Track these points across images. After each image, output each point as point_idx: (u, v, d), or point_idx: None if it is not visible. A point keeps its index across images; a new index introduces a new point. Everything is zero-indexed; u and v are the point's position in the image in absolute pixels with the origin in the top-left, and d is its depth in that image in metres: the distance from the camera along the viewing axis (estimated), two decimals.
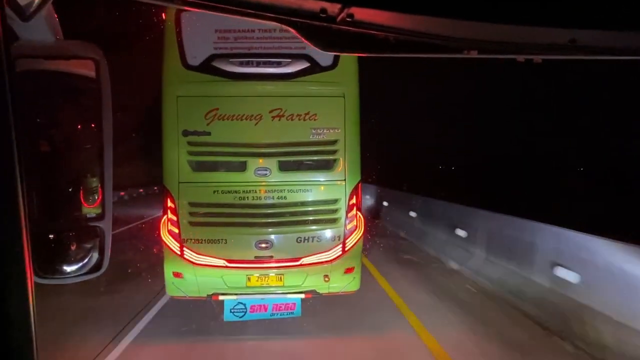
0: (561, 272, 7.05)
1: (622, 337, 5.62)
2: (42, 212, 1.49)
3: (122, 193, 32.00)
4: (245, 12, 1.17)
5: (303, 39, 1.26)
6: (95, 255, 1.55)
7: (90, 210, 1.55)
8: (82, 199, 1.57)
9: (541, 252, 7.90)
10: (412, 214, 15.57)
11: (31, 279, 1.04)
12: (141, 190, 36.07)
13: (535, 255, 8.01)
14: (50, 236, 1.49)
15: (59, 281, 1.54)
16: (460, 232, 11.15)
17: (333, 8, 1.18)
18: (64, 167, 1.58)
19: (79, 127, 1.58)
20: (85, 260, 1.55)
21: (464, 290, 9.16)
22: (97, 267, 1.55)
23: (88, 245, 1.56)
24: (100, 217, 1.53)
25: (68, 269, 1.54)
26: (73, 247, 1.56)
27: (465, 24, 1.21)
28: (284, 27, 1.24)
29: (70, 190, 1.59)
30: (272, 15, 1.21)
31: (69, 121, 1.57)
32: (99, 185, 1.52)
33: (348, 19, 1.19)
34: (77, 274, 1.53)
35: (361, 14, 1.19)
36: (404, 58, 1.41)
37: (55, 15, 1.56)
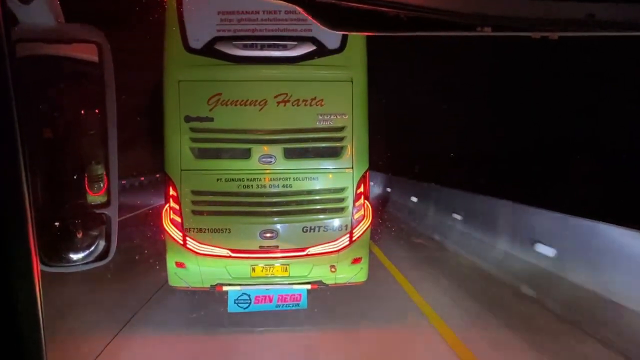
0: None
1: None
2: (47, 200, 1.49)
3: (124, 182, 31.58)
4: None
5: (310, 18, 1.24)
6: (101, 243, 1.55)
7: (95, 198, 1.55)
8: (87, 187, 1.57)
9: (521, 229, 8.97)
10: (414, 198, 17.01)
11: (37, 267, 1.05)
12: (142, 178, 35.71)
13: (516, 232, 9.12)
14: (55, 224, 1.49)
15: (66, 269, 1.55)
16: (456, 216, 12.24)
17: None
18: (67, 154, 1.58)
19: (82, 112, 1.58)
20: (92, 248, 1.55)
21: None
22: (104, 254, 1.55)
23: (94, 233, 1.56)
24: (106, 204, 1.52)
25: (74, 256, 1.54)
26: (79, 235, 1.56)
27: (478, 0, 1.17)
28: (291, 5, 1.23)
29: (75, 177, 1.60)
30: None
31: (72, 107, 1.57)
32: (104, 172, 1.51)
33: None
34: (83, 262, 1.54)
35: None
36: (414, 36, 1.36)
37: None
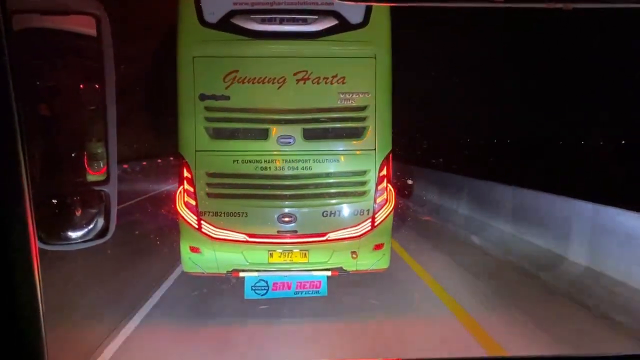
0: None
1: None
2: (45, 177, 1.51)
3: (125, 165, 31.14)
4: None
5: None
6: (100, 221, 1.56)
7: (94, 177, 1.56)
8: (86, 165, 1.59)
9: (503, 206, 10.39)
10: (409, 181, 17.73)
11: (35, 244, 1.07)
12: (144, 163, 35.04)
13: (500, 207, 10.56)
14: (54, 201, 1.51)
15: (65, 247, 1.58)
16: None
17: None
18: (65, 131, 1.60)
19: (80, 88, 1.59)
20: (91, 226, 1.56)
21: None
22: (103, 232, 1.56)
23: (93, 211, 1.57)
24: (105, 181, 1.52)
25: (73, 234, 1.55)
26: (78, 213, 1.58)
27: None
28: None
29: (73, 154, 1.62)
30: None
31: (69, 82, 1.58)
32: (104, 149, 1.50)
33: None
34: (82, 240, 1.55)
35: None
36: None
37: None
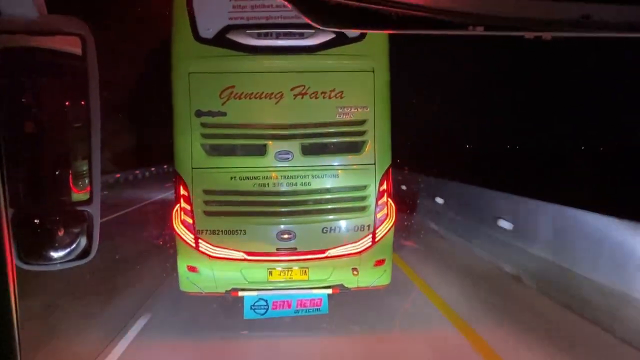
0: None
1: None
2: (27, 196, 1.50)
3: (117, 175, 31.51)
4: None
5: (300, 14, 1.26)
6: (83, 241, 1.55)
7: (79, 196, 1.56)
8: (71, 184, 1.57)
9: (488, 209, 10.99)
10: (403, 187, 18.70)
11: (12, 264, 1.06)
12: (137, 172, 35.90)
13: (483, 211, 11.25)
14: (35, 221, 1.51)
15: (45, 267, 1.56)
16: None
17: None
18: (49, 149, 1.59)
19: (65, 107, 1.59)
20: (73, 246, 1.55)
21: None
22: (85, 253, 1.55)
23: (75, 230, 1.56)
24: (88, 201, 1.53)
25: (55, 255, 1.54)
26: (60, 233, 1.57)
27: None
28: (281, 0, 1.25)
29: (56, 173, 1.60)
30: None
31: (54, 101, 1.58)
32: (88, 168, 1.51)
33: None
34: (64, 260, 1.54)
35: None
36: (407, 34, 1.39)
37: None
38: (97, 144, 1.48)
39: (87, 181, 1.51)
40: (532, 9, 1.23)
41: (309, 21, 1.29)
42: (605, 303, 6.43)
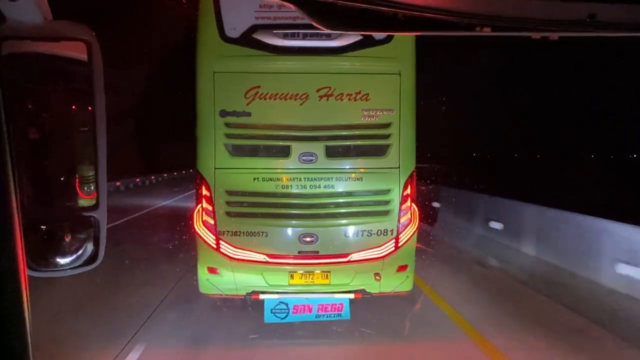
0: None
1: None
2: (34, 202, 1.51)
3: (118, 183, 31.65)
4: None
5: (306, 17, 1.28)
6: (90, 247, 1.56)
7: (86, 201, 1.56)
8: (78, 190, 1.58)
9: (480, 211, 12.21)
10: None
11: (24, 272, 1.06)
12: (138, 180, 35.94)
13: (475, 214, 12.46)
14: (42, 227, 1.51)
15: (53, 274, 1.57)
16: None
17: None
18: (55, 155, 1.61)
19: (70, 113, 1.61)
20: (80, 252, 1.57)
21: None
22: (92, 259, 1.57)
23: (82, 236, 1.57)
24: (94, 206, 1.53)
25: (62, 261, 1.55)
26: (67, 239, 1.58)
27: None
28: (285, 3, 1.25)
29: (62, 179, 1.62)
30: None
31: (59, 107, 1.60)
32: (94, 173, 1.51)
33: None
34: (71, 267, 1.55)
35: None
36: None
37: None
38: (103, 149, 1.49)
39: (93, 187, 1.52)
40: (538, 10, 1.24)
41: (315, 24, 1.30)
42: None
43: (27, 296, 1.07)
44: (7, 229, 1.03)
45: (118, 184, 30.04)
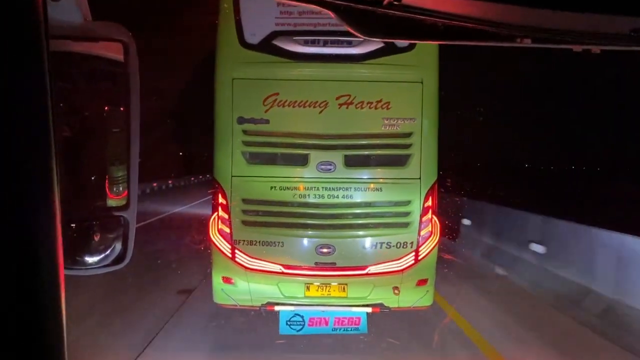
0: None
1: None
2: (66, 201, 1.43)
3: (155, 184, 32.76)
4: None
5: (344, 24, 1.28)
6: (118, 246, 1.59)
7: (115, 201, 1.59)
8: (107, 190, 1.62)
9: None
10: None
11: (62, 271, 1.08)
12: (170, 181, 37.64)
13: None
14: (72, 225, 1.53)
15: (81, 272, 1.59)
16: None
17: None
18: (88, 154, 1.63)
19: (105, 113, 1.65)
20: (108, 252, 1.59)
21: None
22: (120, 258, 1.59)
23: (111, 236, 1.60)
24: (124, 206, 1.56)
25: (90, 260, 1.59)
26: (96, 238, 1.61)
27: (519, 9, 1.20)
28: (322, 9, 1.25)
29: (94, 178, 1.66)
30: None
31: (95, 106, 1.63)
32: (126, 174, 1.54)
33: (395, 2, 1.17)
34: (99, 266, 1.58)
35: None
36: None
37: None
38: (135, 150, 1.52)
39: (123, 187, 1.55)
40: (581, 22, 1.23)
41: (353, 31, 1.31)
42: None
43: (63, 294, 1.06)
44: (49, 228, 1.03)
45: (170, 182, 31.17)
